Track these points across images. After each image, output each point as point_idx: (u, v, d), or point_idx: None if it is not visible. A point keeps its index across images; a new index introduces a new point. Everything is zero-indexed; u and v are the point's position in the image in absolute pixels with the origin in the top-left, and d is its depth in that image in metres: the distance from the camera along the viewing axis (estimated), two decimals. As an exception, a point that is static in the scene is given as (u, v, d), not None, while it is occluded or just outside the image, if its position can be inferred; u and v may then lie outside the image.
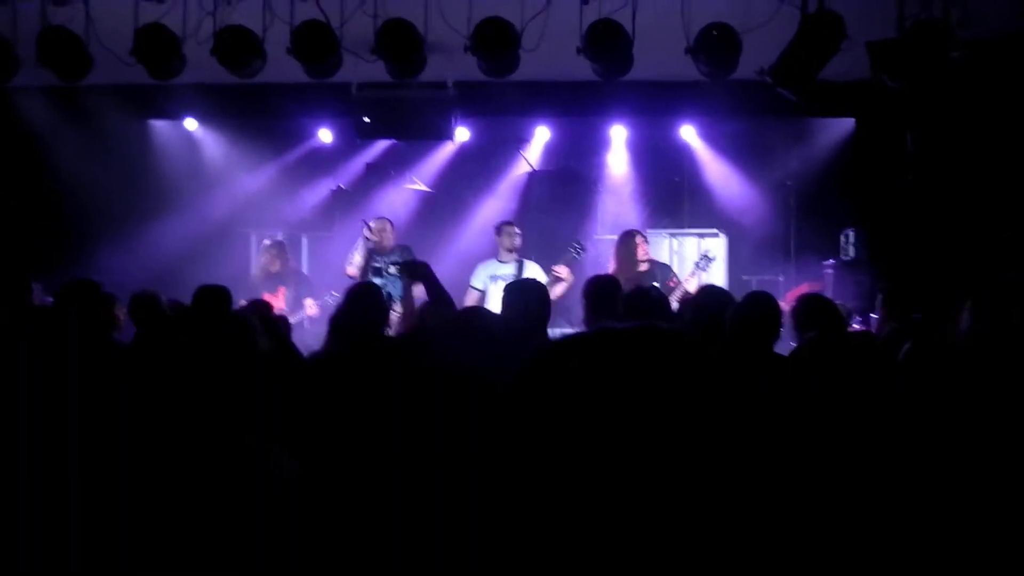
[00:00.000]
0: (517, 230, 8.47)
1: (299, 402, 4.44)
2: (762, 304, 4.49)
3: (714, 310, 4.62)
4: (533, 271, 8.22)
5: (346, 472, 3.91)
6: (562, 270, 8.02)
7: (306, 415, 4.28)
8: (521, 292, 4.97)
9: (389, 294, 6.92)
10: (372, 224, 8.35)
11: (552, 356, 1.64)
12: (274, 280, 8.64)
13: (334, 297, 8.10)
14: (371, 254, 8.25)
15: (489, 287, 8.31)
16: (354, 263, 8.33)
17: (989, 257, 7.61)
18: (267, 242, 9.01)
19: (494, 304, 8.04)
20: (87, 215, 9.20)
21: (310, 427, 4.18)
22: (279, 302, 8.23)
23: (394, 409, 3.94)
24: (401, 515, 3.59)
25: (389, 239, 8.39)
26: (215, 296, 4.67)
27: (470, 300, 8.26)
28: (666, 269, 8.26)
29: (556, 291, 7.85)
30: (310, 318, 8.17)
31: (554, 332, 6.39)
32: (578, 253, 8.10)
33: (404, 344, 4.79)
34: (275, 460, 2.97)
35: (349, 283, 7.76)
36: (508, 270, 8.28)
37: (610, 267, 8.17)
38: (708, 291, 5.23)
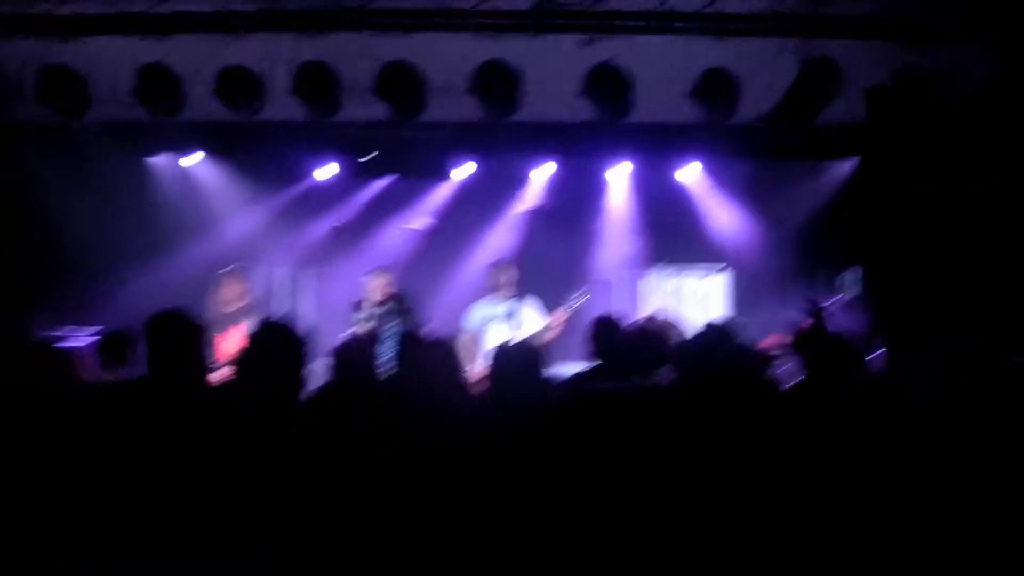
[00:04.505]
0: (505, 268, 8.05)
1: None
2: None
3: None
4: (528, 312, 7.92)
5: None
6: (558, 316, 7.62)
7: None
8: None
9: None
10: (364, 281, 7.82)
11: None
12: (231, 318, 7.63)
13: None
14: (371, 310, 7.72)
15: (483, 329, 7.91)
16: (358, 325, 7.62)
17: (986, 303, 7.63)
18: (227, 270, 7.88)
19: (489, 348, 7.77)
20: (85, 252, 9.14)
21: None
22: (228, 346, 7.21)
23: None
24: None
25: (380, 292, 7.72)
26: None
27: (463, 344, 7.86)
28: None
29: (545, 337, 7.46)
30: None
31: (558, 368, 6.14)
32: (579, 301, 7.67)
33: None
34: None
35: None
36: (501, 310, 7.94)
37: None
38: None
